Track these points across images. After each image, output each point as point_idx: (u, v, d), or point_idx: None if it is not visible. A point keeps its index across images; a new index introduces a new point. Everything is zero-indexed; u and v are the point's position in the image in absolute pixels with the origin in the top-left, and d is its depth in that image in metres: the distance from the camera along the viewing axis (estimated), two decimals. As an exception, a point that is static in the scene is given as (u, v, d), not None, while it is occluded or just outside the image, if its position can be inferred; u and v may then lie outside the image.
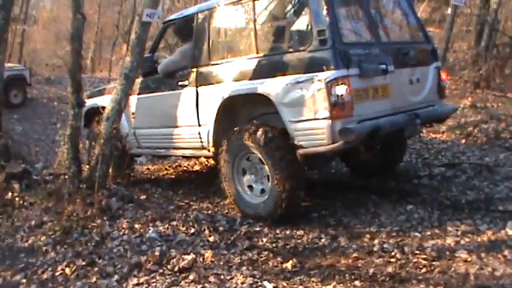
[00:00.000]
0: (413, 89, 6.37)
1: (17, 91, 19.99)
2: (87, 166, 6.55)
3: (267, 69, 5.94)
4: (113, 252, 5.18)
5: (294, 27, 6.11)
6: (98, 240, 5.37)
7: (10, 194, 6.49)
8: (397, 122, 5.88)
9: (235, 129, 6.20)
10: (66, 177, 6.27)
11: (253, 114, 6.32)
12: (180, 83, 6.95)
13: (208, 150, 6.79)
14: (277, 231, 5.70)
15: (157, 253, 5.02)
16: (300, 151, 5.68)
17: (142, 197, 6.72)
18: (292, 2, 6.30)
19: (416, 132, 6.46)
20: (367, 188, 7.20)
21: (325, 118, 5.41)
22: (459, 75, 16.70)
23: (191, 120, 6.82)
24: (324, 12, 5.54)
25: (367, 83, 5.64)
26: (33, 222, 5.87)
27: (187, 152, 7.24)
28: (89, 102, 7.94)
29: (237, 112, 6.51)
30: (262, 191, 6.17)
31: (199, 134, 6.77)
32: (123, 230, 5.53)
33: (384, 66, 5.80)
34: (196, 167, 9.43)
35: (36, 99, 21.35)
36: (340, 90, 5.32)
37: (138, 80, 7.36)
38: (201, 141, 6.79)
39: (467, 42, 18.72)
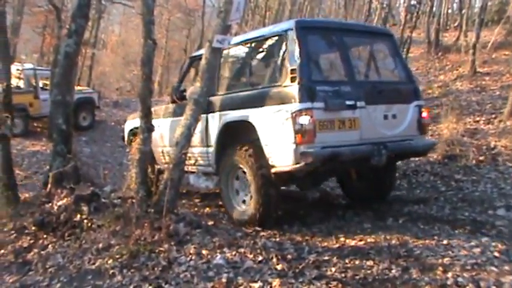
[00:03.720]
0: (389, 124, 7.22)
1: (86, 114, 20.55)
2: (154, 190, 6.62)
3: (255, 100, 7.04)
4: (180, 277, 5.20)
5: (276, 66, 7.19)
6: (165, 265, 5.41)
7: (79, 216, 6.64)
8: (360, 150, 6.76)
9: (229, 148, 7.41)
10: (134, 201, 6.38)
11: (249, 138, 7.17)
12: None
13: (212, 168, 7.92)
14: (346, 261, 5.59)
15: (224, 280, 5.02)
16: (273, 170, 6.78)
17: (210, 222, 6.76)
18: (277, 45, 7.24)
19: (382, 161, 6.91)
20: (439, 219, 7.06)
21: (290, 143, 6.48)
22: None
23: (202, 142, 7.99)
24: (297, 54, 6.64)
25: (333, 115, 6.61)
26: (100, 245, 5.98)
27: (200, 169, 8.29)
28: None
29: (236, 136, 7.44)
30: (245, 201, 7.30)
31: (207, 153, 7.94)
32: (190, 256, 5.56)
33: (351, 102, 6.76)
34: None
35: (104, 121, 21.87)
36: (304, 120, 6.37)
37: (168, 106, 9.07)
38: (208, 160, 7.94)
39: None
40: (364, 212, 7.80)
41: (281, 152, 6.64)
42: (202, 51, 8.81)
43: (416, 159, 10.18)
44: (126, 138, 10.72)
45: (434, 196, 8.45)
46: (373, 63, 8.11)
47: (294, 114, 6.43)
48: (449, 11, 31.08)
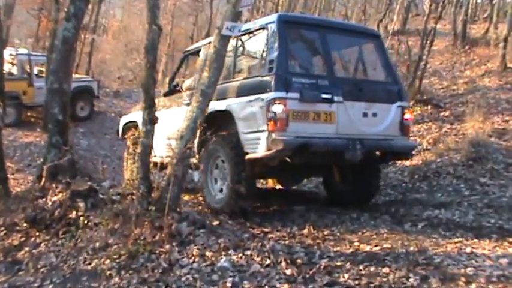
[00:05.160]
0: (368, 121, 7.79)
1: (84, 104, 20.68)
2: (156, 187, 6.63)
3: (236, 91, 7.79)
4: (181, 280, 5.21)
5: (258, 59, 7.95)
6: (166, 267, 5.42)
7: (74, 212, 6.66)
8: (333, 143, 7.37)
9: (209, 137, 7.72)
10: (135, 197, 6.39)
11: (229, 128, 7.84)
12: (184, 102, 8.82)
13: (195, 157, 8.27)
14: (361, 267, 5.57)
15: (229, 284, 5.04)
16: (247, 156, 7.39)
17: (215, 222, 6.74)
18: (260, 39, 7.92)
19: (357, 157, 7.42)
20: (462, 225, 7.05)
21: (263, 130, 7.16)
22: None
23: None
24: (276, 46, 7.35)
25: (307, 107, 7.26)
26: (97, 244, 6.00)
27: None
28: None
29: (218, 126, 7.86)
30: (222, 190, 7.89)
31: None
32: (193, 258, 5.57)
33: (328, 96, 7.39)
34: (274, 193, 9.45)
35: (103, 112, 21.95)
36: (277, 108, 7.02)
37: (159, 99, 9.41)
38: (192, 150, 7.83)
39: None
40: (380, 215, 7.82)
41: (254, 139, 7.32)
42: (196, 45, 10.33)
43: (438, 160, 10.18)
44: (120, 132, 11.51)
45: (457, 200, 8.45)
46: (356, 62, 8.75)
47: (267, 103, 7.10)
48: (479, 0, 30.96)
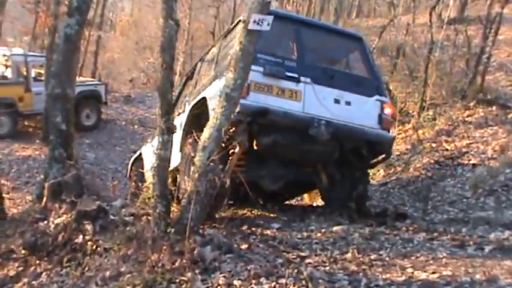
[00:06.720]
0: (340, 108, 9.04)
1: (90, 111, 20.79)
2: (175, 206, 6.64)
3: (212, 80, 9.16)
4: (206, 314, 5.24)
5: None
6: (187, 299, 5.44)
7: (81, 236, 6.73)
8: (296, 115, 8.58)
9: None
10: (151, 218, 6.43)
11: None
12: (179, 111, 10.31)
13: None
14: (414, 300, 5.57)
15: (261, 318, 5.05)
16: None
17: (244, 246, 6.74)
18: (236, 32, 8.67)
19: (322, 134, 8.54)
20: None
21: None
22: None
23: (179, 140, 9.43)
24: None
25: (271, 81, 8.61)
26: (107, 273, 6.05)
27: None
28: None
29: (199, 125, 8.48)
30: None
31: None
32: (218, 287, 5.58)
33: (293, 75, 8.76)
34: (311, 211, 9.46)
35: (112, 121, 22.06)
36: None
37: None
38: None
39: None
40: (437, 236, 7.76)
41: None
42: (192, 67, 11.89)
43: (507, 171, 10.11)
44: (128, 172, 13.40)
45: (534, 220, 8.36)
46: (332, 56, 10.50)
47: None
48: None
